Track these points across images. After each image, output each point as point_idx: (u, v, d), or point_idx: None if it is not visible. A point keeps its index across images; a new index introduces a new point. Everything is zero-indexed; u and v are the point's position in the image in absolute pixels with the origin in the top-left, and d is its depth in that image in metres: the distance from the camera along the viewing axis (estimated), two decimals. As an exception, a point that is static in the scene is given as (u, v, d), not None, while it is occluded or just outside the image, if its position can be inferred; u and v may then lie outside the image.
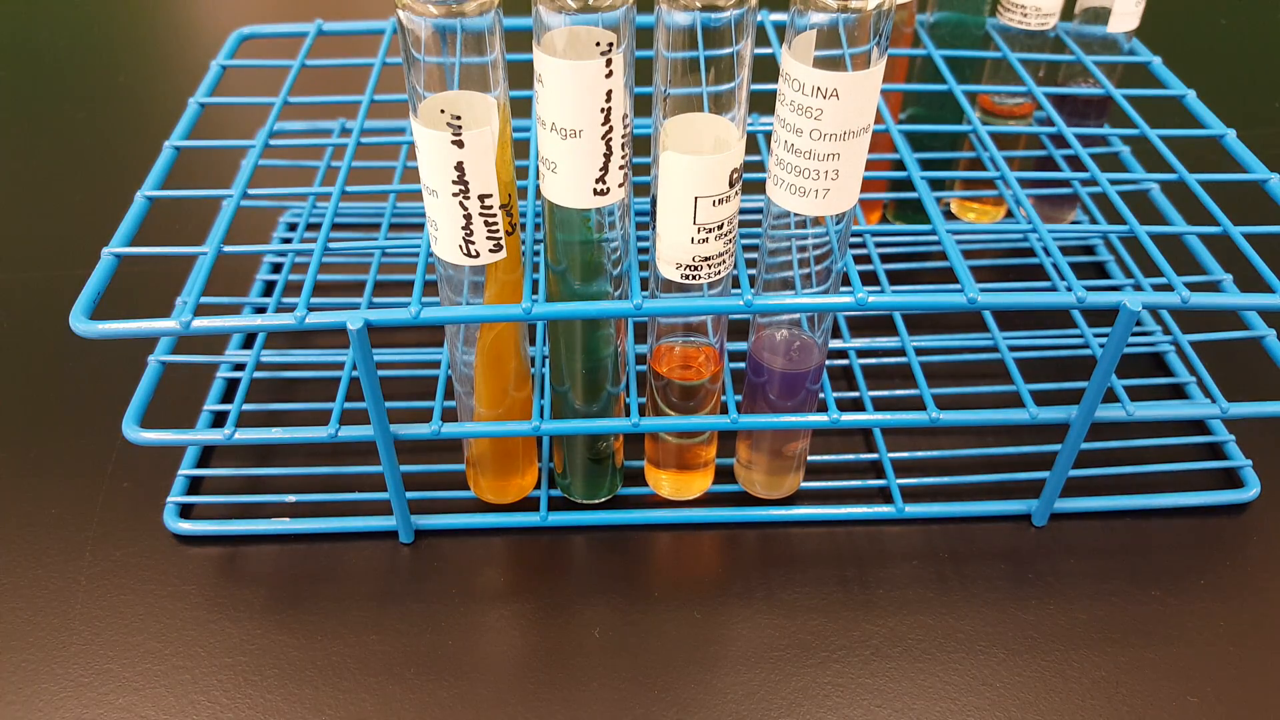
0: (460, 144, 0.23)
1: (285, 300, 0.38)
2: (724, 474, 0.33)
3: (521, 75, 0.30)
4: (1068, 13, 0.38)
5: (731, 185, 0.24)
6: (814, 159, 0.24)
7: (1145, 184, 0.43)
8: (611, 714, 0.27)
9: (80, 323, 0.26)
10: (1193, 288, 0.33)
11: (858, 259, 0.41)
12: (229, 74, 0.36)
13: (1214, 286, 0.37)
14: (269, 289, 0.41)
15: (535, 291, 0.26)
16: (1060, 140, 0.39)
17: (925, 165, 0.41)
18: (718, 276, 0.26)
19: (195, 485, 0.33)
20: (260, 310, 0.39)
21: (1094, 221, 0.42)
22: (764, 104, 0.36)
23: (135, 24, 0.65)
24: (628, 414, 0.29)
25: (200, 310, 0.28)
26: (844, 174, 0.24)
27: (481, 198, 0.24)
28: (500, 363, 0.28)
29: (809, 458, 0.33)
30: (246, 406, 0.34)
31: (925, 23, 0.39)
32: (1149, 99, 0.35)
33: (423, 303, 0.26)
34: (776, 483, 0.32)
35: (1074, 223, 0.43)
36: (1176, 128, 0.34)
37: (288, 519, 0.32)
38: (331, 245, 0.30)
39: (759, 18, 0.34)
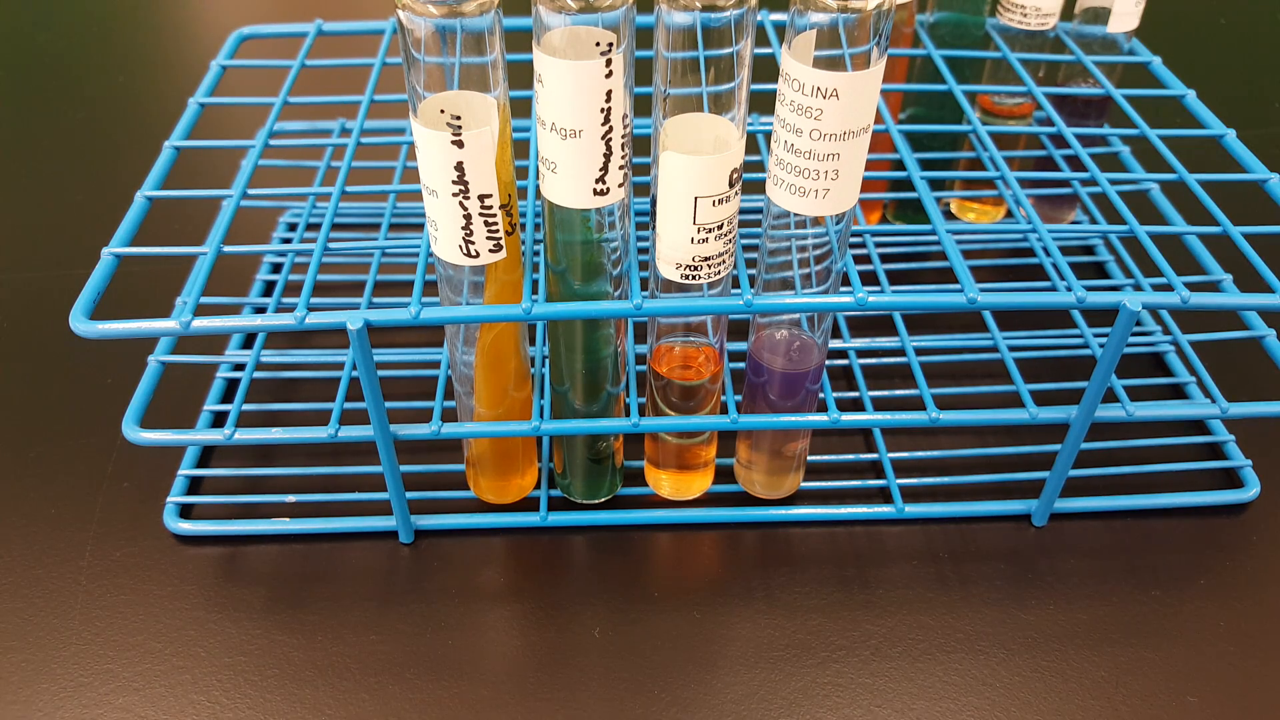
0: (460, 144, 0.23)
1: (285, 300, 0.38)
2: (724, 474, 0.33)
3: (521, 75, 0.30)
4: (1068, 13, 0.38)
5: (731, 185, 0.24)
6: (814, 159, 0.24)
7: (1145, 184, 0.43)
8: (611, 714, 0.27)
9: (80, 323, 0.26)
10: (1193, 288, 0.33)
11: (858, 259, 0.41)
12: (229, 74, 0.36)
13: (1214, 286, 0.37)
14: (269, 289, 0.41)
15: (535, 291, 0.26)
16: (1060, 140, 0.39)
17: (925, 165, 0.41)
18: (718, 276, 0.26)
19: (195, 485, 0.33)
20: (260, 310, 0.39)
21: (1094, 221, 0.42)
22: (764, 104, 0.36)
23: (135, 24, 0.65)
24: (628, 414, 0.29)
25: (200, 310, 0.28)
26: (844, 174, 0.24)
27: (481, 198, 0.24)
28: (500, 363, 0.28)
29: (809, 458, 0.32)
30: (246, 406, 0.34)
31: (925, 23, 0.39)
32: (1149, 99, 0.35)
33: (423, 303, 0.26)
34: (776, 483, 0.32)
35: (1074, 223, 0.43)
36: (1176, 128, 0.34)
37: (288, 519, 0.32)
38: (331, 245, 0.30)
39: (759, 18, 0.34)
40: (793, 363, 0.29)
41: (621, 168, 0.24)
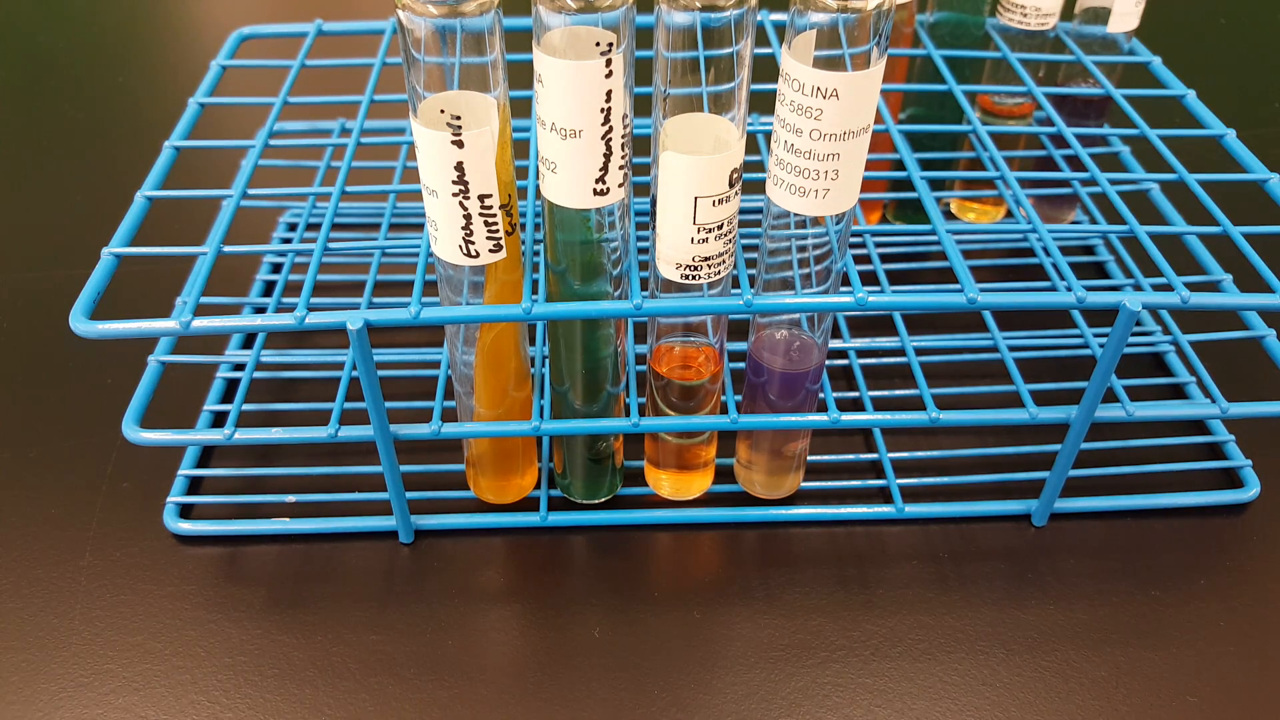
0: (460, 144, 0.23)
1: (285, 300, 0.38)
2: (724, 474, 0.33)
3: (521, 75, 0.30)
4: (1068, 13, 0.38)
5: (731, 185, 0.24)
6: (814, 159, 0.24)
7: (1145, 184, 0.43)
8: (611, 714, 0.27)
9: (80, 323, 0.26)
10: (1193, 288, 0.33)
11: (858, 259, 0.41)
12: (229, 74, 0.36)
13: (1214, 286, 0.37)
14: (269, 289, 0.41)
15: (535, 291, 0.26)
16: (1060, 140, 0.39)
17: (925, 165, 0.41)
18: (718, 276, 0.26)
19: (195, 485, 0.33)
20: (260, 310, 0.39)
21: (1094, 221, 0.42)
22: (764, 104, 0.36)
23: (135, 24, 0.65)
24: (628, 414, 0.29)
25: (200, 310, 0.28)
26: (844, 174, 0.24)
27: (481, 198, 0.24)
28: (500, 363, 0.28)
29: (809, 458, 0.32)
30: (246, 406, 0.34)
31: (925, 23, 0.39)
32: (1149, 99, 0.35)
33: (423, 303, 0.26)
34: (776, 483, 0.32)
35: (1074, 223, 0.43)
36: (1176, 128, 0.34)
37: (288, 519, 0.32)
38: (331, 245, 0.30)
39: (759, 18, 0.34)
40: (793, 363, 0.29)
41: (621, 168, 0.24)
